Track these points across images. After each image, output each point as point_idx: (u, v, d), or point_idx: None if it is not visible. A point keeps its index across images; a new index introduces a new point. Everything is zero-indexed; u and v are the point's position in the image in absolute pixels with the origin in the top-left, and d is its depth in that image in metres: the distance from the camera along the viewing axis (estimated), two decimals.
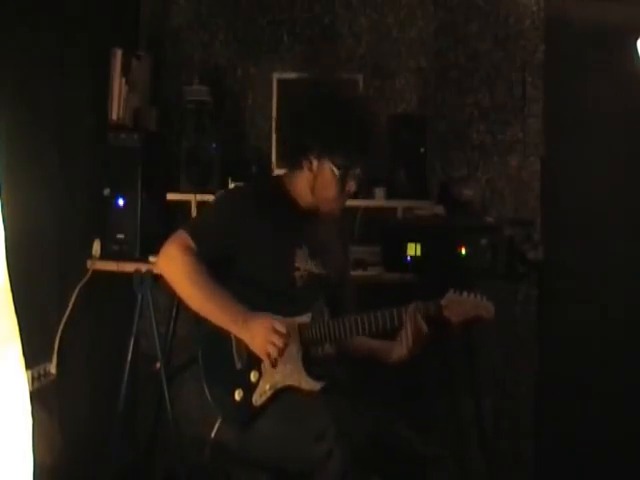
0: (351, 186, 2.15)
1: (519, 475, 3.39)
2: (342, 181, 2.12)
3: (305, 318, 2.11)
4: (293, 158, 2.19)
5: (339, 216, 2.27)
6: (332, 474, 1.89)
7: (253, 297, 2.06)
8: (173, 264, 2.07)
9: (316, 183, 2.14)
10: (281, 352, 2.03)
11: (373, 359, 2.25)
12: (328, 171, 2.12)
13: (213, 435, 2.07)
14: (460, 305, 2.04)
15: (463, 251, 2.53)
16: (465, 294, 2.05)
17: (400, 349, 2.10)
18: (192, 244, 2.07)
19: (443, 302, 2.05)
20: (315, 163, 2.13)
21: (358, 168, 2.14)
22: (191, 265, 2.05)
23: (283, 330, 2.02)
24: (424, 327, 2.03)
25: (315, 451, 1.92)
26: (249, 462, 2.10)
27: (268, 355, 2.03)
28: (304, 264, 2.17)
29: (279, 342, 2.01)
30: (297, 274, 2.16)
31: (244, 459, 2.10)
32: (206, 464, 2.14)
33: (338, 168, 2.11)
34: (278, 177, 2.30)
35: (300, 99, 2.21)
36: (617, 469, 3.28)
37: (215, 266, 2.08)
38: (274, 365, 2.06)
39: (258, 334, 2.02)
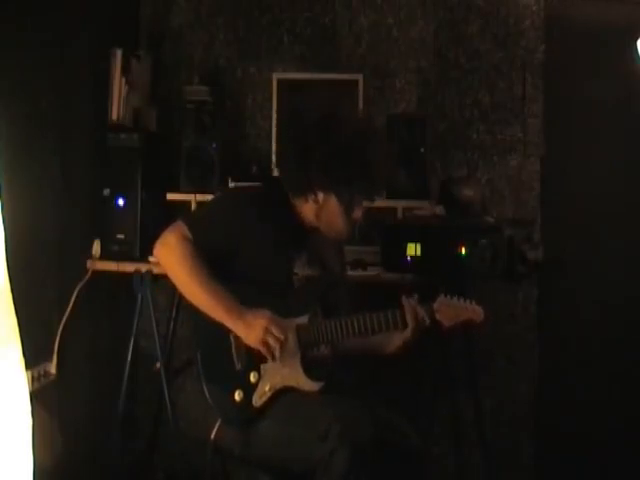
0: (357, 214, 2.15)
1: (519, 475, 3.39)
2: (348, 212, 2.13)
3: (303, 319, 2.11)
4: (297, 190, 2.16)
5: None
6: (335, 473, 1.89)
7: (251, 299, 2.05)
8: (170, 251, 2.06)
9: (322, 213, 2.15)
10: (281, 344, 2.03)
11: (368, 353, 2.25)
12: (334, 204, 2.12)
13: (213, 436, 2.06)
14: (451, 309, 2.10)
15: (463, 251, 2.53)
16: (455, 298, 2.10)
17: (398, 340, 2.13)
18: (189, 235, 2.06)
19: (435, 306, 2.09)
20: (321, 196, 2.13)
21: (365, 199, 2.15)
22: (187, 253, 2.04)
23: (280, 327, 2.03)
24: (425, 317, 2.07)
25: (318, 451, 1.92)
26: (251, 463, 2.10)
27: (267, 346, 2.02)
28: (301, 270, 2.18)
29: (278, 333, 2.02)
30: (295, 278, 2.16)
31: (246, 460, 2.10)
32: (206, 464, 2.14)
33: (344, 203, 2.12)
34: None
35: (303, 130, 2.15)
36: (617, 469, 3.28)
37: (212, 262, 2.07)
38: (274, 358, 2.05)
39: (255, 327, 2.01)
